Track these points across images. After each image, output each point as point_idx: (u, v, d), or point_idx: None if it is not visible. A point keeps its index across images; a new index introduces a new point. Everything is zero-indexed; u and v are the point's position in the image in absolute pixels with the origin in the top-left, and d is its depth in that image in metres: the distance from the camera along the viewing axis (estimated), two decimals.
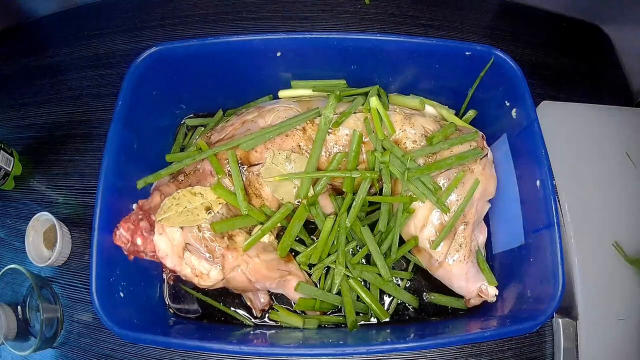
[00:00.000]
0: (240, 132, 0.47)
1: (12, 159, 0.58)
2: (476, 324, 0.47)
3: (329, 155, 0.47)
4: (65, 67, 0.68)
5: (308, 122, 0.47)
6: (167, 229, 0.41)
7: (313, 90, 0.52)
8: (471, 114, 0.54)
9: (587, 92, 0.66)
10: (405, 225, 0.47)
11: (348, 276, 0.48)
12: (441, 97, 0.55)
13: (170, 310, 0.51)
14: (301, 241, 0.50)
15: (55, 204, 0.59)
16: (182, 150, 0.54)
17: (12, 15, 0.70)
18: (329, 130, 0.47)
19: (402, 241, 0.49)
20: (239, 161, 0.45)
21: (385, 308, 0.50)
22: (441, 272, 0.47)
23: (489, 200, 0.50)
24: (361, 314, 0.49)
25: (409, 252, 0.49)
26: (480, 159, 0.49)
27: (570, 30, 0.72)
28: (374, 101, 0.47)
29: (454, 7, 0.71)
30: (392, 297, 0.51)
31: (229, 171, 0.45)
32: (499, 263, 0.51)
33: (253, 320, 0.50)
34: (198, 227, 0.42)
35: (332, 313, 0.50)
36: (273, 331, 0.48)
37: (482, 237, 0.51)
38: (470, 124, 0.54)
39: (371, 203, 0.49)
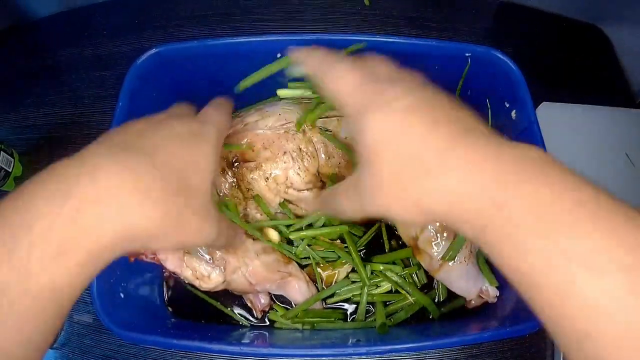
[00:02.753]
0: (242, 135, 0.47)
1: (12, 159, 0.58)
2: (476, 325, 0.47)
3: (329, 158, 0.47)
4: (66, 68, 0.68)
5: (307, 124, 0.47)
6: None
7: (312, 93, 0.52)
8: None
9: (587, 93, 0.66)
10: (405, 227, 0.48)
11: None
12: None
13: (171, 310, 0.51)
14: None
15: None
16: None
17: (12, 15, 0.70)
18: (329, 133, 0.47)
19: (404, 245, 0.49)
20: (234, 159, 0.45)
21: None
22: (442, 273, 0.47)
23: None
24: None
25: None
26: None
27: (570, 31, 0.72)
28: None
29: (455, 8, 0.71)
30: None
31: (222, 169, 0.45)
32: None
33: (253, 321, 0.50)
34: None
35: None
36: (274, 332, 0.48)
37: None
38: None
39: None
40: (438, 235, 0.46)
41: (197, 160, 0.31)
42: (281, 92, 0.53)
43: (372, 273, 0.48)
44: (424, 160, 0.25)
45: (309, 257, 0.49)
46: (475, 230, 0.24)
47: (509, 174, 0.23)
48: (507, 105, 0.49)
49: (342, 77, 0.31)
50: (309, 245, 0.48)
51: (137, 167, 0.26)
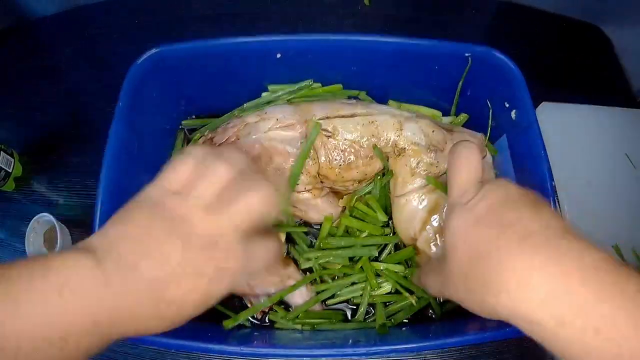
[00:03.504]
0: (244, 135, 0.47)
1: (12, 160, 0.58)
2: (476, 325, 0.47)
3: (330, 161, 0.47)
4: (66, 67, 0.68)
5: (306, 127, 0.47)
6: None
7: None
8: (463, 116, 0.54)
9: (587, 93, 0.66)
10: (404, 228, 0.48)
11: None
12: (441, 97, 0.55)
13: None
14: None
15: (56, 205, 0.60)
16: None
17: (13, 15, 0.70)
18: (328, 134, 0.47)
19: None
20: None
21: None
22: None
23: None
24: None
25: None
26: None
27: (570, 31, 0.72)
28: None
29: (455, 8, 0.72)
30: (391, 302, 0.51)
31: None
32: None
33: (253, 321, 0.50)
34: None
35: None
36: (274, 333, 0.48)
37: None
38: (470, 125, 0.54)
39: None
40: (437, 235, 0.46)
41: (199, 300, 0.31)
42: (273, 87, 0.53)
43: (377, 276, 0.49)
44: (489, 264, 0.27)
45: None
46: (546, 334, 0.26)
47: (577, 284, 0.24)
48: (507, 105, 0.49)
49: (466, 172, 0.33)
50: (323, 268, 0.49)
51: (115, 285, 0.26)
